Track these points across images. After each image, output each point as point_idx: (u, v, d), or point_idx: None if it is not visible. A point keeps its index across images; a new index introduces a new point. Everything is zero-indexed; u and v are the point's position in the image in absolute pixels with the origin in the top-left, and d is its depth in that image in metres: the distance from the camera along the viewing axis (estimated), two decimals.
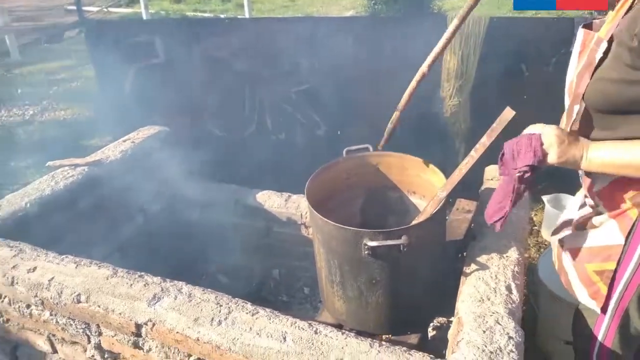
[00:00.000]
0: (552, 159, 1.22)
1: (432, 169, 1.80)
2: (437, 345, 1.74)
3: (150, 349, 1.55)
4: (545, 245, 2.98)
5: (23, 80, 6.32)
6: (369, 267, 1.57)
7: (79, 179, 2.18)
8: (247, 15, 7.74)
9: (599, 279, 1.31)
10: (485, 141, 1.52)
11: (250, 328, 1.38)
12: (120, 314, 1.51)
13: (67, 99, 5.66)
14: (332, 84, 3.26)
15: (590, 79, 1.20)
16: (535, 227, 3.16)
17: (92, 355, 1.71)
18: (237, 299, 1.51)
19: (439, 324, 2.19)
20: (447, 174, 1.66)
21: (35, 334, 1.82)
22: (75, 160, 2.30)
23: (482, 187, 2.09)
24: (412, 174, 1.90)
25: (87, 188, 2.20)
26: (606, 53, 1.18)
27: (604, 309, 1.33)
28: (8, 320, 1.85)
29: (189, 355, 1.48)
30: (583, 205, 1.41)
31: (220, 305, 1.47)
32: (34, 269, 1.68)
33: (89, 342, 1.69)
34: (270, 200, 2.34)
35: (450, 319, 1.76)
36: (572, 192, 1.55)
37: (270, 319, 1.41)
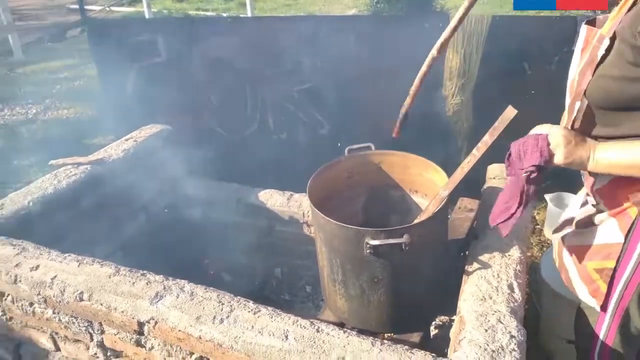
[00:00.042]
0: (558, 159, 1.22)
1: (434, 168, 1.80)
2: (439, 344, 1.74)
3: (152, 347, 1.56)
4: (548, 244, 2.97)
5: (26, 79, 6.34)
6: (371, 265, 1.57)
7: (82, 178, 2.19)
8: (249, 14, 7.75)
9: (599, 277, 1.31)
10: (487, 140, 1.51)
11: (252, 326, 1.38)
12: (122, 312, 1.51)
13: (69, 98, 5.67)
14: (334, 83, 3.25)
15: (592, 76, 1.20)
16: (538, 226, 3.15)
17: (95, 353, 1.71)
18: (239, 297, 1.51)
19: (441, 323, 2.18)
20: (449, 172, 1.66)
21: (38, 332, 1.83)
22: (78, 158, 2.30)
23: (485, 186, 2.09)
24: (415, 172, 1.90)
25: (90, 187, 2.21)
26: (608, 50, 1.17)
27: (603, 307, 1.33)
28: (11, 318, 1.86)
29: (191, 354, 1.49)
30: (585, 203, 1.41)
31: (222, 304, 1.47)
32: (37, 267, 1.69)
33: (92, 340, 1.69)
34: (272, 199, 2.35)
35: (452, 318, 1.76)
36: (575, 191, 1.55)
37: (272, 318, 1.41)
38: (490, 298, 1.43)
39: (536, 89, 2.92)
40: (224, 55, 3.39)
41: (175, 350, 1.51)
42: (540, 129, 1.28)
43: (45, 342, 1.84)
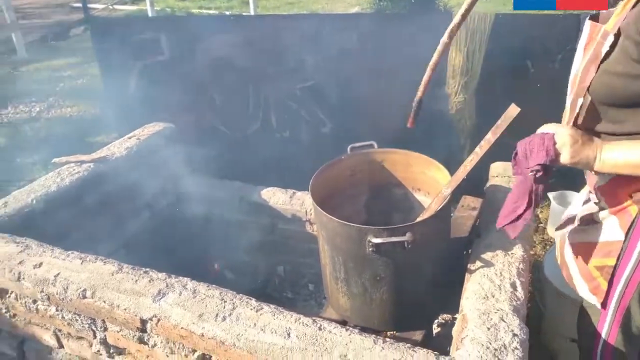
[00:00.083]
0: (564, 159, 1.21)
1: (436, 166, 1.80)
2: (442, 342, 1.74)
3: (155, 344, 1.56)
4: (551, 242, 2.97)
5: (30, 78, 6.35)
6: (373, 263, 1.57)
7: (85, 176, 2.19)
8: (252, 12, 7.74)
9: (599, 274, 1.31)
10: (490, 138, 1.51)
11: (255, 324, 1.39)
12: (125, 309, 1.51)
13: (73, 96, 5.68)
14: (337, 81, 3.25)
15: (596, 72, 1.19)
16: (541, 224, 3.15)
17: (98, 350, 1.72)
18: (241, 295, 1.51)
19: (443, 321, 2.19)
20: (452, 170, 1.66)
21: (42, 329, 1.84)
22: (81, 156, 2.31)
23: (488, 184, 2.09)
24: (417, 170, 1.90)
25: (93, 185, 2.21)
26: (613, 46, 1.16)
27: (604, 305, 1.33)
28: (15, 315, 1.86)
29: (194, 351, 1.49)
30: (587, 200, 1.40)
31: (225, 301, 1.47)
32: (40, 264, 1.69)
33: (95, 337, 1.70)
34: (275, 197, 2.35)
35: (455, 316, 1.75)
36: (578, 189, 1.54)
37: (274, 315, 1.41)
38: (493, 296, 1.43)
39: (539, 87, 2.92)
40: (227, 53, 3.39)
41: (178, 348, 1.52)
42: (547, 128, 1.28)
43: (48, 339, 1.84)
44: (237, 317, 1.41)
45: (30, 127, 4.98)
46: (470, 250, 1.74)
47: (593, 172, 1.31)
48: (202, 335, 1.40)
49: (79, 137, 4.47)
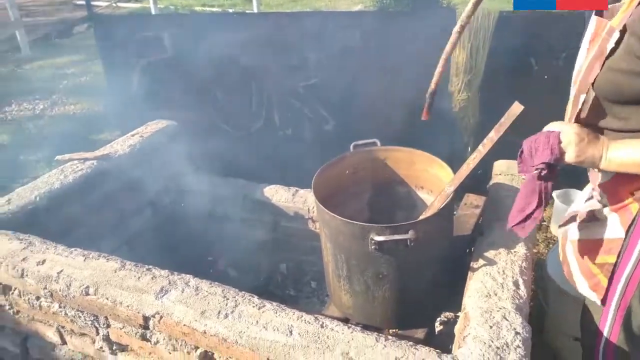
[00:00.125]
0: (570, 157, 1.21)
1: (440, 164, 1.80)
2: (444, 340, 1.74)
3: (157, 341, 1.56)
4: (554, 240, 2.96)
5: (33, 75, 6.37)
6: (376, 261, 1.57)
7: (88, 173, 2.20)
8: (255, 10, 7.74)
9: (600, 271, 1.30)
10: (493, 136, 1.51)
11: (257, 321, 1.39)
12: (128, 306, 1.52)
13: (76, 94, 5.70)
14: (340, 79, 3.25)
15: (601, 69, 1.18)
16: (544, 223, 3.14)
17: (101, 347, 1.72)
18: (243, 292, 1.51)
19: (445, 319, 2.18)
20: (455, 168, 1.65)
21: (45, 325, 1.84)
22: (84, 154, 2.31)
23: (491, 182, 2.08)
24: (420, 168, 1.90)
25: (96, 182, 2.22)
26: (618, 43, 1.16)
27: (604, 301, 1.32)
28: (18, 312, 1.87)
29: (196, 348, 1.49)
30: (590, 198, 1.40)
31: (227, 299, 1.47)
32: (43, 261, 1.70)
33: (98, 333, 1.70)
34: (277, 194, 2.35)
35: (457, 314, 1.75)
36: (582, 187, 1.54)
37: (276, 313, 1.41)
38: (496, 294, 1.43)
39: (543, 85, 2.91)
40: (230, 51, 3.39)
41: (180, 345, 1.52)
42: (552, 126, 1.27)
43: (51, 335, 1.85)
44: (240, 314, 1.42)
45: (34, 125, 4.99)
46: (472, 249, 1.73)
47: (597, 170, 1.31)
48: (205, 333, 1.41)
49: (82, 135, 4.48)
